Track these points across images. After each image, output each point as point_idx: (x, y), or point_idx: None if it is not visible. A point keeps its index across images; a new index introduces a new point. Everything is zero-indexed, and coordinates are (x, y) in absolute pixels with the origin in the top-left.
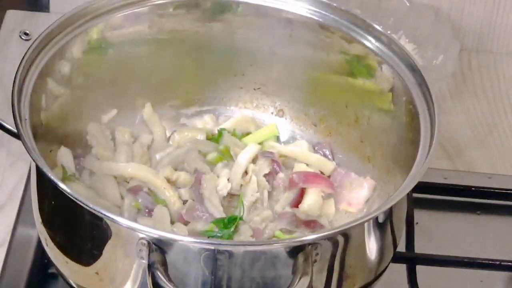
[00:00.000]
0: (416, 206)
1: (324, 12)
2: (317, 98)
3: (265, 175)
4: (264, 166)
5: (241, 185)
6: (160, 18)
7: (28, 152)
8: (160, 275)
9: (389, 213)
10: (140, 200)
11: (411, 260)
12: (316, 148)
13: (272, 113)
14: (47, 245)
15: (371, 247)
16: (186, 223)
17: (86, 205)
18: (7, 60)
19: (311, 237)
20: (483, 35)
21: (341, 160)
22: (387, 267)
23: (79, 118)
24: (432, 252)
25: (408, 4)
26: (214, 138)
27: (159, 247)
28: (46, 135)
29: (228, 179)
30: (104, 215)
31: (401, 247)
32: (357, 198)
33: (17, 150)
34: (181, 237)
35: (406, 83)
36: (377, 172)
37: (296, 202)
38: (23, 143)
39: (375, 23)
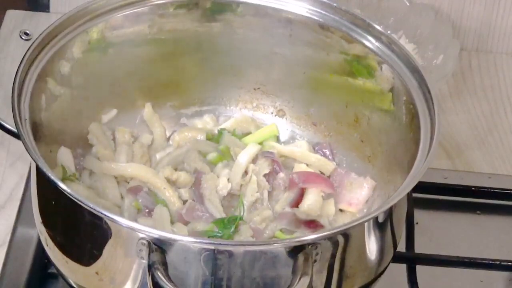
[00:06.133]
0: (416, 206)
1: (324, 12)
2: (317, 98)
3: (265, 175)
4: (264, 166)
5: (241, 185)
6: (160, 18)
7: (28, 152)
8: (160, 275)
9: (389, 213)
10: (140, 200)
11: (411, 260)
12: (316, 148)
13: (272, 113)
14: (47, 245)
15: (371, 247)
16: (186, 223)
17: (86, 205)
18: (7, 60)
19: (311, 237)
20: (483, 35)
21: (341, 160)
22: (387, 267)
23: (79, 118)
24: (432, 252)
25: (408, 4)
26: (214, 138)
27: (159, 247)
28: (46, 135)
29: (228, 179)
30: (104, 215)
31: (401, 247)
32: (357, 198)
33: (17, 150)
34: (181, 237)
35: (406, 83)
36: (377, 172)
37: (296, 202)
38: (23, 143)
39: (375, 23)
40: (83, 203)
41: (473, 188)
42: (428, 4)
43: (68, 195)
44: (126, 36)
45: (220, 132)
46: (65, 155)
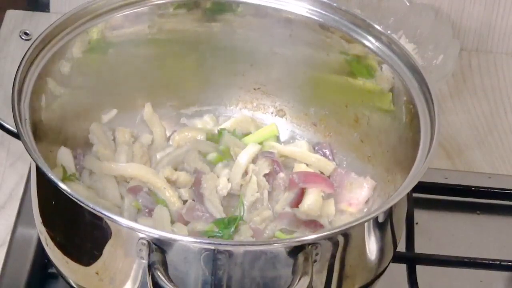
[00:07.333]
0: (416, 206)
1: (324, 12)
2: (317, 98)
3: (265, 175)
4: (264, 166)
5: (241, 185)
6: (160, 18)
7: (28, 152)
8: (160, 275)
9: (389, 213)
10: (140, 200)
11: (411, 260)
12: (316, 148)
13: (272, 113)
14: (47, 245)
15: (371, 247)
16: (186, 223)
17: (86, 205)
18: (7, 60)
19: (311, 237)
20: (483, 35)
21: (341, 160)
22: (387, 267)
23: (79, 118)
24: (432, 252)
25: (408, 4)
26: (214, 138)
27: (159, 247)
28: (46, 135)
29: (228, 179)
30: (104, 215)
31: (401, 247)
32: (357, 198)
33: (17, 150)
34: (181, 237)
35: (406, 83)
36: (377, 172)
37: (296, 202)
38: (23, 143)
39: (375, 23)
40: (83, 203)
41: (473, 188)
42: (428, 4)
43: (68, 195)
44: (126, 36)
45: (220, 132)
46: (65, 155)
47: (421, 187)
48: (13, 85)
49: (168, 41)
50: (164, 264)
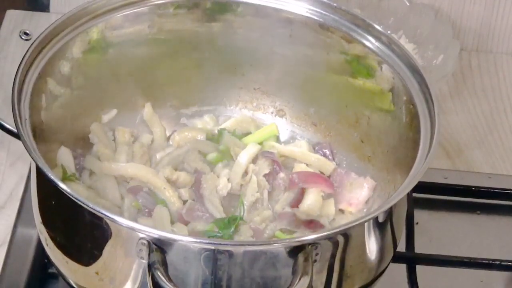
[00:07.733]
0: (416, 206)
1: (324, 12)
2: (317, 98)
3: (265, 175)
4: (264, 166)
5: (241, 185)
6: (160, 18)
7: (28, 152)
8: (160, 275)
9: (389, 213)
10: (140, 200)
11: (411, 260)
12: (316, 148)
13: (272, 113)
14: (47, 245)
15: (371, 247)
16: (186, 223)
17: (86, 205)
18: (7, 60)
19: (311, 237)
20: (483, 35)
21: (341, 160)
22: (387, 267)
23: (79, 118)
24: (432, 252)
25: (408, 4)
26: (214, 138)
27: (159, 247)
28: (46, 135)
29: (228, 179)
30: (104, 215)
31: (401, 247)
32: (357, 198)
33: (17, 150)
34: (181, 237)
35: (406, 83)
36: (377, 172)
37: (296, 202)
38: (23, 143)
39: (375, 23)
40: (83, 203)
41: (473, 188)
42: (428, 4)
43: (68, 195)
44: (126, 36)
45: (220, 132)
46: (65, 155)
47: (421, 187)
48: (13, 85)
49: (168, 41)
50: (164, 264)
